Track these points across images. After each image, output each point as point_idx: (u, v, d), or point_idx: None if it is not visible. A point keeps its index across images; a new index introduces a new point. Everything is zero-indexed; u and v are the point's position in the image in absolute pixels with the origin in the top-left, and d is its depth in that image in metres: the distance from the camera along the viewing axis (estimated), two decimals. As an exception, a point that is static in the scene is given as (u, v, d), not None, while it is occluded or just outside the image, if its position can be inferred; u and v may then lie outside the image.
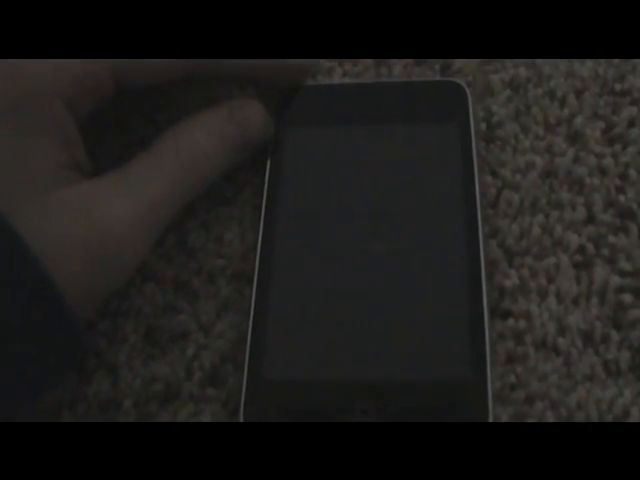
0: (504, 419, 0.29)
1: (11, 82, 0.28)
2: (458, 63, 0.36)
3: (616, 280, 0.31)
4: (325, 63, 0.37)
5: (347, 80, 0.37)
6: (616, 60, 0.36)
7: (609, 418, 0.28)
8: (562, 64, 0.36)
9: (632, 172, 0.33)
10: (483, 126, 0.35)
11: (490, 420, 0.27)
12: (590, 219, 0.32)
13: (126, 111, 0.36)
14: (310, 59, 0.35)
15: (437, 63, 0.36)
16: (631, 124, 0.34)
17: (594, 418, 0.28)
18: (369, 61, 0.37)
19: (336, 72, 0.37)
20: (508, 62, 0.36)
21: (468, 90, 0.34)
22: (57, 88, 0.28)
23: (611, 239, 0.32)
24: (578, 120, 0.34)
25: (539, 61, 0.36)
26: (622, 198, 0.32)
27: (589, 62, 0.36)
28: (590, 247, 0.32)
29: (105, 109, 0.31)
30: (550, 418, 0.29)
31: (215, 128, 0.31)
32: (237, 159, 0.33)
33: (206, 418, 0.30)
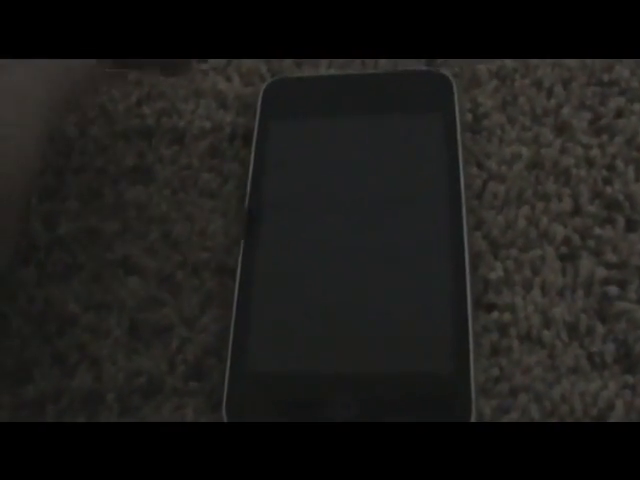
0: (487, 412, 0.29)
1: None
2: (445, 54, 0.36)
3: (602, 272, 0.31)
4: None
5: (333, 71, 0.36)
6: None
7: (593, 411, 0.28)
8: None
9: (619, 163, 0.33)
10: (469, 117, 0.34)
11: (473, 412, 0.27)
12: (576, 210, 0.32)
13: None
14: None
15: (423, 54, 0.36)
16: (618, 115, 0.34)
17: (578, 411, 0.28)
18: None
19: (322, 63, 0.37)
20: (495, 52, 0.36)
21: (454, 81, 0.34)
22: None
23: (597, 231, 0.31)
24: (565, 111, 0.34)
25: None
26: (609, 189, 0.32)
27: (577, 52, 0.35)
28: (576, 239, 0.31)
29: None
30: (534, 411, 0.28)
31: None
32: None
33: (189, 412, 0.30)
